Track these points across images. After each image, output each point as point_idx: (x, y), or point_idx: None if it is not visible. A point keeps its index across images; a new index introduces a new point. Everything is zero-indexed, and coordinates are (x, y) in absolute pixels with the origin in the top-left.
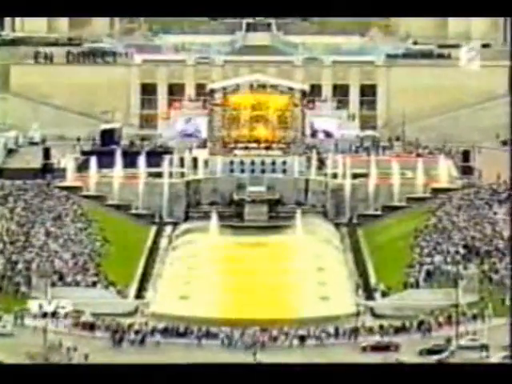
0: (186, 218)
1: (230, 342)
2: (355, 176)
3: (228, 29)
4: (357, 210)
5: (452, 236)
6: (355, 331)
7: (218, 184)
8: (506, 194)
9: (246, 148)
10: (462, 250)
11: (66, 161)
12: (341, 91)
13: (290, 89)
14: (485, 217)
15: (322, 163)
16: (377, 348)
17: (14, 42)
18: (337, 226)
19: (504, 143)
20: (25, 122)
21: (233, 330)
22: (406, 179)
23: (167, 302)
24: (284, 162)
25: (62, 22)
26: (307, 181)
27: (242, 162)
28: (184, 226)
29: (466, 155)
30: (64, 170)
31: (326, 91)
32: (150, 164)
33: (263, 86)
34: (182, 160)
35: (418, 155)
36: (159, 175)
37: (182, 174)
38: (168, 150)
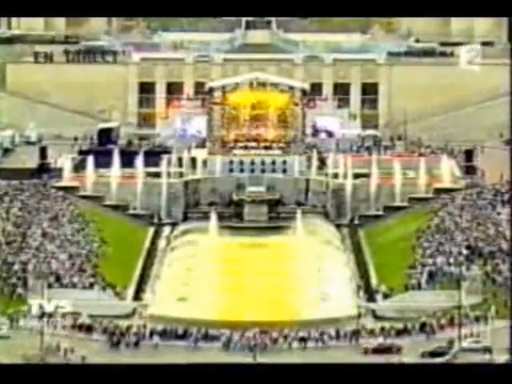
0: (185, 219)
1: (229, 345)
2: (356, 176)
3: (227, 26)
4: (358, 210)
5: (455, 237)
6: (356, 333)
7: (217, 184)
8: (509, 195)
9: (246, 147)
10: (464, 251)
11: (63, 160)
12: (342, 90)
13: (291, 87)
14: (488, 217)
15: (322, 163)
16: (378, 350)
17: (11, 40)
18: (338, 226)
19: (508, 142)
20: (21, 120)
21: (232, 332)
22: (408, 179)
23: (165, 304)
24: (284, 162)
25: (59, 20)
26: (308, 181)
27: (241, 162)
28: (183, 227)
29: (469, 155)
30: (61, 169)
31: (327, 90)
32: (148, 164)
33: (263, 85)
34: (180, 160)
35: (421, 155)
36: (157, 175)
37: (181, 174)
38: (166, 150)
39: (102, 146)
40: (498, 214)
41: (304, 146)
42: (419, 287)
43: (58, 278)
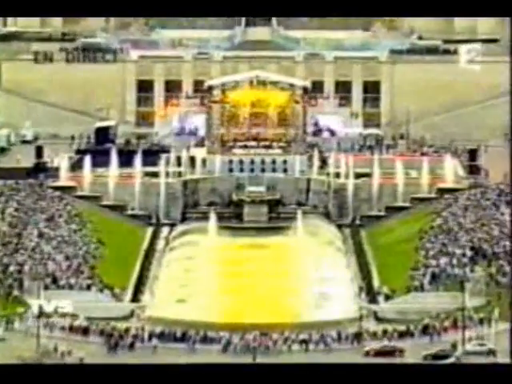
0: (184, 219)
1: (229, 347)
2: (358, 176)
3: (227, 24)
4: (360, 210)
5: (458, 238)
6: (358, 336)
7: (217, 184)
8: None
9: (246, 146)
10: (468, 252)
11: (60, 160)
12: (343, 88)
13: (291, 85)
14: (492, 218)
15: (323, 162)
16: (380, 353)
17: (6, 38)
18: (339, 227)
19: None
20: (17, 119)
21: (232, 335)
22: (410, 179)
23: (164, 306)
24: (284, 161)
25: (56, 17)
26: (309, 180)
27: (241, 161)
28: (181, 227)
29: (472, 154)
30: (57, 169)
31: (328, 88)
32: (146, 163)
33: (263, 83)
34: (179, 159)
35: (423, 154)
36: (156, 175)
37: (180, 174)
38: (165, 149)
39: (100, 145)
40: (502, 214)
41: (305, 145)
42: (422, 289)
43: (55, 280)
